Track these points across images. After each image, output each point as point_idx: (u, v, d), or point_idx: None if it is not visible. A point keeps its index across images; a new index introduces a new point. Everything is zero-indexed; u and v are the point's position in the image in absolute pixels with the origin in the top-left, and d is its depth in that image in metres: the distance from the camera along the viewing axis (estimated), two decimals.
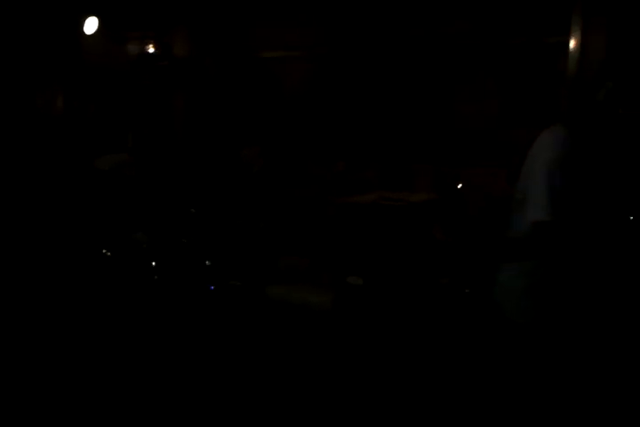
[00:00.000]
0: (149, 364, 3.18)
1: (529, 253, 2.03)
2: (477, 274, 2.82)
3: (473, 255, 2.40)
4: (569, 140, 1.99)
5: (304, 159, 4.72)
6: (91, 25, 4.87)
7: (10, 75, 4.66)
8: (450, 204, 3.51)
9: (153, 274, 3.68)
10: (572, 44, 3.74)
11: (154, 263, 3.68)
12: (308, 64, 4.87)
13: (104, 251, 3.71)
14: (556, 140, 1.99)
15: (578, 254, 2.05)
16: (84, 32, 4.85)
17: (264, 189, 4.32)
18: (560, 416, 2.12)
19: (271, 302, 3.65)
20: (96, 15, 4.85)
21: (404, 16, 4.40)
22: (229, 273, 3.75)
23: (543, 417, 2.11)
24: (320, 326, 3.40)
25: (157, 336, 3.37)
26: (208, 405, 2.92)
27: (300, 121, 4.83)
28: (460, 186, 3.56)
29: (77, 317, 3.50)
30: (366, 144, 4.56)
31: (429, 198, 3.82)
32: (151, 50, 5.09)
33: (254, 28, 4.92)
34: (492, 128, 4.00)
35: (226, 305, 3.64)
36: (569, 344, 2.08)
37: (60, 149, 4.74)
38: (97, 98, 5.14)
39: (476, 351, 2.74)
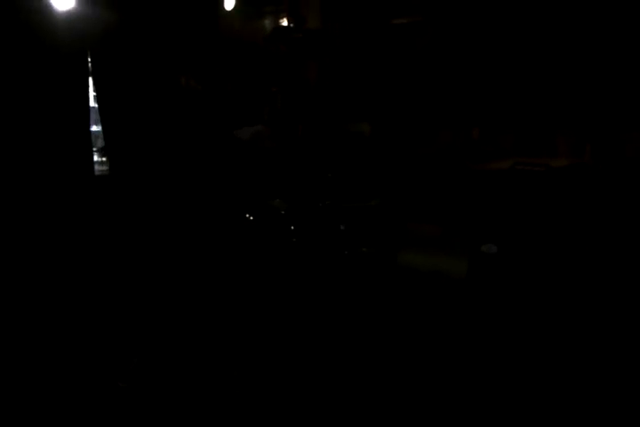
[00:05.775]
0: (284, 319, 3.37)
1: None
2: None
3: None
4: None
5: (436, 126, 4.66)
6: (229, 1, 5.09)
7: (158, 60, 5.04)
8: None
9: (291, 237, 3.87)
10: None
11: (292, 227, 3.87)
12: (439, 28, 4.75)
13: (247, 215, 3.97)
14: None
15: None
16: (222, 10, 5.08)
17: (385, 157, 4.33)
18: None
19: (402, 269, 3.68)
20: None
21: None
22: (361, 239, 3.83)
23: None
24: (453, 294, 3.38)
25: (291, 296, 3.54)
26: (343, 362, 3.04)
27: (432, 86, 4.75)
28: None
29: (223, 274, 3.78)
30: (501, 110, 4.40)
31: (571, 163, 3.63)
32: (285, 23, 5.22)
33: None
34: None
35: (357, 270, 3.73)
36: None
37: (203, 122, 5.06)
38: (234, 73, 5.39)
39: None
